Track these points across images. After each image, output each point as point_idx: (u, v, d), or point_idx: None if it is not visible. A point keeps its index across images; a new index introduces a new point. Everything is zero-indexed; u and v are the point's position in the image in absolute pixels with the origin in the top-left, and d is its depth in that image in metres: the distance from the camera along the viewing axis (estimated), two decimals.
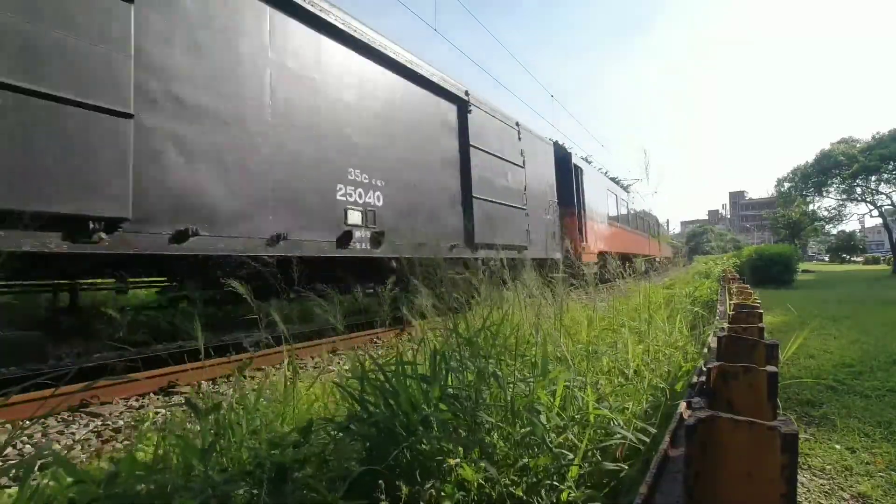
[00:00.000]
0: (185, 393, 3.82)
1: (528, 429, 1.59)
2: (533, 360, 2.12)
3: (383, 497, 1.26)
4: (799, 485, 2.04)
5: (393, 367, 1.74)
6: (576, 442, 1.61)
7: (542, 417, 1.61)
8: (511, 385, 1.72)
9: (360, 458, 1.51)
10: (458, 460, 1.38)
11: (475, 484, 1.39)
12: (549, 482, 1.48)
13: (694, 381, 1.97)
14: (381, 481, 1.30)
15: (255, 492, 1.22)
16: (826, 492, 2.06)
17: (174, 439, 1.51)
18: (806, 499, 1.99)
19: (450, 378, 1.82)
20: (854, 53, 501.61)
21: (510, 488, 1.44)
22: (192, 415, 1.46)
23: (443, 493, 1.33)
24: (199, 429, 1.49)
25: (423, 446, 1.49)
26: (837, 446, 2.48)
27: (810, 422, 2.85)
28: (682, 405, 1.44)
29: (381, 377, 1.72)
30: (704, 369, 1.66)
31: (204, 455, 1.27)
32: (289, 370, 2.25)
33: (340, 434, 1.61)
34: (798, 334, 3.41)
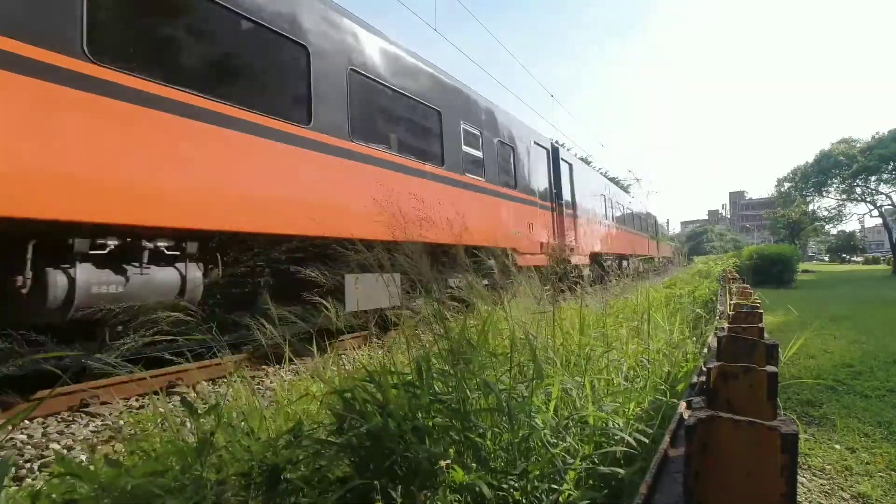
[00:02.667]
0: (185, 393, 3.82)
1: (525, 432, 1.58)
2: (523, 363, 2.11)
3: (378, 498, 1.26)
4: (799, 485, 2.04)
5: (378, 376, 1.73)
6: (574, 444, 1.60)
7: (538, 420, 1.60)
8: (504, 390, 1.71)
9: (352, 465, 1.50)
10: (447, 461, 1.37)
11: (465, 485, 1.38)
12: (547, 485, 1.47)
13: (694, 381, 1.97)
14: (376, 482, 1.29)
15: (248, 493, 1.21)
16: (826, 492, 2.06)
17: (168, 440, 1.51)
18: (806, 499, 1.99)
19: (437, 384, 1.80)
20: (854, 53, 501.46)
21: (508, 492, 1.43)
22: (188, 414, 1.46)
23: (436, 498, 1.32)
24: (193, 429, 1.48)
25: (418, 454, 1.48)
26: (837, 446, 2.48)
27: (810, 422, 2.85)
28: (682, 405, 1.44)
29: (370, 386, 1.71)
30: (704, 369, 1.65)
31: (197, 455, 1.27)
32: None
33: (331, 441, 1.60)
34: (798, 335, 3.41)
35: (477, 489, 1.32)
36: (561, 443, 1.59)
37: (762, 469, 0.84)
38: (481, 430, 1.61)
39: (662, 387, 2.21)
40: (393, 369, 1.85)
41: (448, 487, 1.38)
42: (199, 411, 1.48)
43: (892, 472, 2.19)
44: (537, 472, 1.48)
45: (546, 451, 1.52)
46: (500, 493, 1.43)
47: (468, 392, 1.72)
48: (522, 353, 2.11)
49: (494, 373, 1.95)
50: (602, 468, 1.50)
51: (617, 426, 1.70)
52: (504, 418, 1.61)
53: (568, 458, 1.54)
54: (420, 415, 1.60)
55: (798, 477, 1.41)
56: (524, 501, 1.43)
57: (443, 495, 1.35)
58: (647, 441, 1.63)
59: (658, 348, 2.74)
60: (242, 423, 1.71)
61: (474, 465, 1.45)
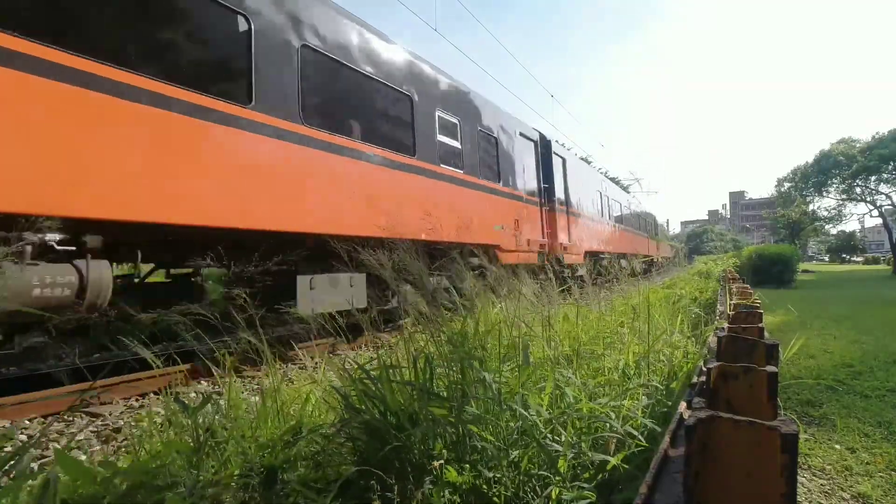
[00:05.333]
0: (185, 393, 3.82)
1: (519, 423, 1.58)
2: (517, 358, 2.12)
3: (375, 497, 1.26)
4: (799, 485, 2.04)
5: (378, 372, 1.74)
6: (568, 437, 1.61)
7: (531, 410, 1.61)
8: (497, 382, 1.71)
9: (350, 460, 1.51)
10: (441, 462, 1.37)
11: (462, 484, 1.38)
12: (539, 473, 1.47)
13: (694, 381, 1.97)
14: (373, 482, 1.29)
15: (246, 493, 1.21)
16: (826, 492, 2.06)
17: (165, 440, 1.51)
18: (806, 499, 1.99)
19: (434, 380, 1.81)
20: (854, 53, 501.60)
21: (500, 484, 1.43)
22: (183, 413, 1.45)
23: (431, 496, 1.33)
24: (188, 428, 1.48)
25: (413, 446, 1.48)
26: (837, 446, 2.48)
27: (810, 422, 2.85)
28: (682, 405, 1.44)
29: (369, 382, 1.72)
30: (704, 369, 1.65)
31: (194, 455, 1.27)
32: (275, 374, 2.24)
33: (330, 437, 1.61)
34: (799, 335, 3.41)
35: (476, 483, 1.32)
36: (553, 434, 1.60)
37: (762, 469, 0.84)
38: (474, 419, 1.61)
39: (661, 387, 2.21)
40: (391, 365, 1.86)
41: (444, 486, 1.38)
42: (193, 409, 1.47)
43: (892, 472, 2.19)
44: (531, 462, 1.48)
45: (536, 440, 1.53)
46: (494, 487, 1.43)
47: (464, 384, 1.73)
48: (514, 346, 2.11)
49: (490, 366, 1.96)
50: (595, 455, 1.51)
51: (611, 417, 1.70)
52: (496, 406, 1.62)
53: (558, 447, 1.54)
54: (416, 406, 1.61)
55: (798, 477, 1.41)
56: (517, 492, 1.43)
57: (437, 495, 1.35)
58: (640, 437, 1.63)
59: (658, 348, 2.74)
60: (241, 423, 1.71)
61: (468, 465, 1.44)
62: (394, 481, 1.35)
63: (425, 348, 2.01)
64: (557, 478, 1.43)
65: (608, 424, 1.64)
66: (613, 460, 1.46)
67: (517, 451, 1.50)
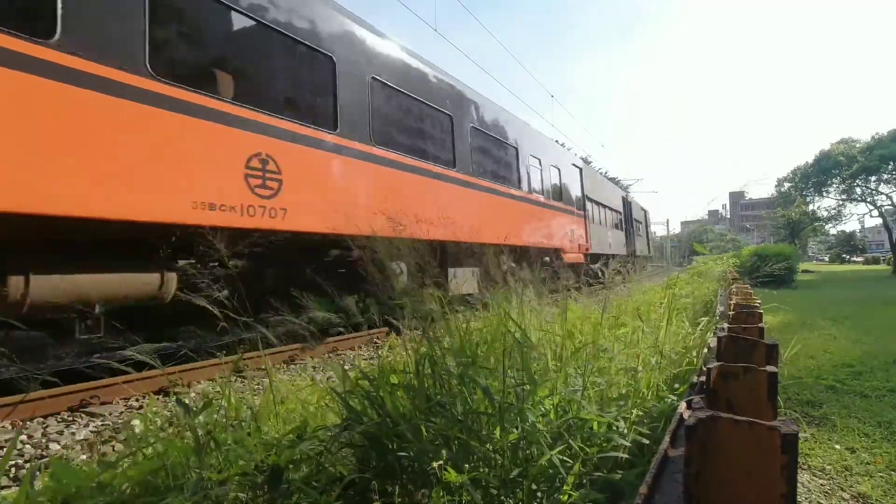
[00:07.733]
0: (185, 393, 3.82)
1: (519, 435, 1.57)
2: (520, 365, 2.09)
3: (376, 499, 1.26)
4: (799, 485, 2.04)
5: (376, 377, 1.73)
6: (576, 447, 1.60)
7: (538, 423, 1.59)
8: (500, 392, 1.69)
9: (351, 464, 1.50)
10: (440, 462, 1.36)
11: (461, 486, 1.38)
12: (547, 486, 1.46)
13: (694, 381, 1.96)
14: (374, 482, 1.29)
15: (249, 494, 1.21)
16: (826, 492, 2.06)
17: (168, 439, 1.51)
18: (806, 499, 1.99)
19: (434, 387, 1.80)
20: (854, 53, 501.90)
21: (508, 495, 1.42)
22: (185, 415, 1.45)
23: (430, 498, 1.32)
24: (191, 428, 1.47)
25: (415, 456, 1.47)
26: (837, 446, 2.48)
27: (810, 422, 2.85)
28: (682, 405, 1.44)
29: (368, 387, 1.71)
30: (704, 369, 1.65)
31: (197, 455, 1.27)
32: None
33: (330, 442, 1.60)
34: (799, 336, 3.41)
35: (475, 488, 1.31)
36: (561, 445, 1.59)
37: (762, 469, 0.84)
38: (479, 433, 1.60)
39: (665, 389, 2.21)
40: (392, 370, 1.85)
41: (444, 488, 1.38)
42: (195, 410, 1.47)
43: (892, 473, 2.19)
44: (538, 475, 1.47)
45: (544, 454, 1.52)
46: (499, 494, 1.43)
47: (467, 396, 1.71)
48: (518, 358, 2.09)
49: (493, 376, 1.94)
50: (600, 473, 1.50)
51: (618, 430, 1.69)
52: (498, 422, 1.60)
53: (568, 461, 1.53)
54: (418, 415, 1.60)
55: (798, 477, 1.41)
56: (524, 502, 1.42)
57: (437, 497, 1.34)
58: (647, 443, 1.62)
59: (661, 350, 2.74)
60: (244, 423, 1.71)
61: (467, 466, 1.44)
62: (395, 484, 1.35)
63: (427, 352, 2.00)
64: (565, 487, 1.43)
65: (615, 439, 1.63)
66: (622, 477, 1.46)
67: (521, 468, 1.49)
